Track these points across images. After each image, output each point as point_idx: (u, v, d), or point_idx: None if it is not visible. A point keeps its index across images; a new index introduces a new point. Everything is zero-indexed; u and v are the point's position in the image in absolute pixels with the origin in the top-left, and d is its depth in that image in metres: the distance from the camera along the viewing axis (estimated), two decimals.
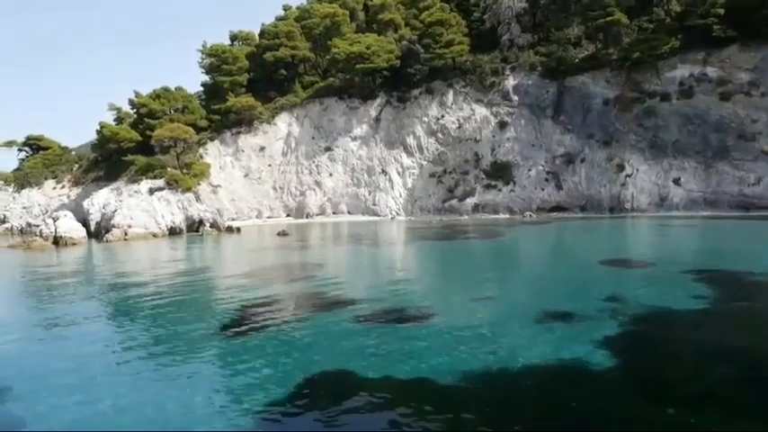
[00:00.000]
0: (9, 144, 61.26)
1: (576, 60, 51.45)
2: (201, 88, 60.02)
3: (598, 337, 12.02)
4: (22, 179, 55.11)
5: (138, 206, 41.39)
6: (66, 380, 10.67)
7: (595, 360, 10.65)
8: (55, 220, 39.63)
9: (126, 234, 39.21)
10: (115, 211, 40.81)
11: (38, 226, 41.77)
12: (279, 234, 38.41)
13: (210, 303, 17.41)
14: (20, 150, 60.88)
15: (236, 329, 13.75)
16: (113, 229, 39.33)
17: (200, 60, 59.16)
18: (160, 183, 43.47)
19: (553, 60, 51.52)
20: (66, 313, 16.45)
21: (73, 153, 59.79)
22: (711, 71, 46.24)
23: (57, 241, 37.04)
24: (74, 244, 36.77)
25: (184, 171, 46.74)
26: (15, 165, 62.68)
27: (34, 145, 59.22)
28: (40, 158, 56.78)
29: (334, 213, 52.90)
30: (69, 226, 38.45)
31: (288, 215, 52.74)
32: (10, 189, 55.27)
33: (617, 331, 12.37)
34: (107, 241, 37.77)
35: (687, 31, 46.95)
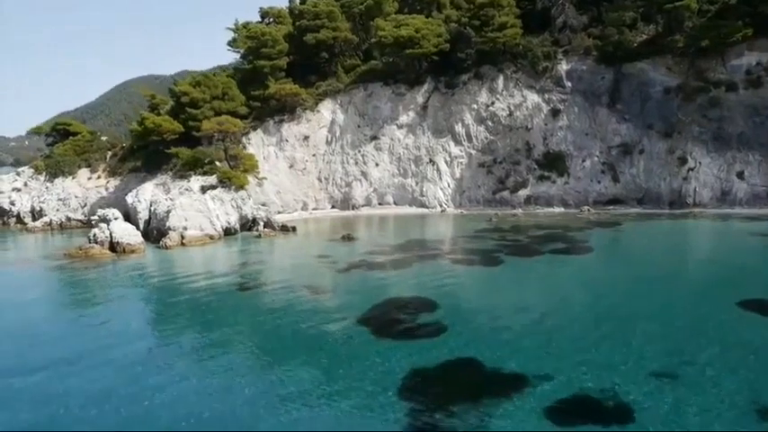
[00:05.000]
0: (37, 130, 58.86)
1: (635, 45, 49.18)
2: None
3: None
4: (53, 167, 52.97)
5: (192, 206, 39.76)
6: None
7: None
8: (106, 221, 37.92)
9: (183, 237, 37.76)
10: (168, 211, 39.19)
11: (88, 225, 40.18)
12: (343, 238, 37.07)
13: (361, 367, 16.25)
14: (47, 136, 58.58)
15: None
16: (170, 232, 37.83)
17: (231, 40, 56.47)
18: (212, 180, 41.73)
19: (610, 45, 49.22)
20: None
21: (104, 139, 57.52)
22: None
23: (113, 248, 35.57)
24: (132, 251, 35.31)
25: (231, 164, 44.95)
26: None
27: (62, 130, 56.84)
28: (70, 144, 54.46)
29: (380, 204, 51.45)
30: (124, 230, 36.80)
31: (333, 207, 51.26)
32: (41, 178, 53.27)
33: None
34: (165, 247, 36.31)
35: (756, 16, 44.72)
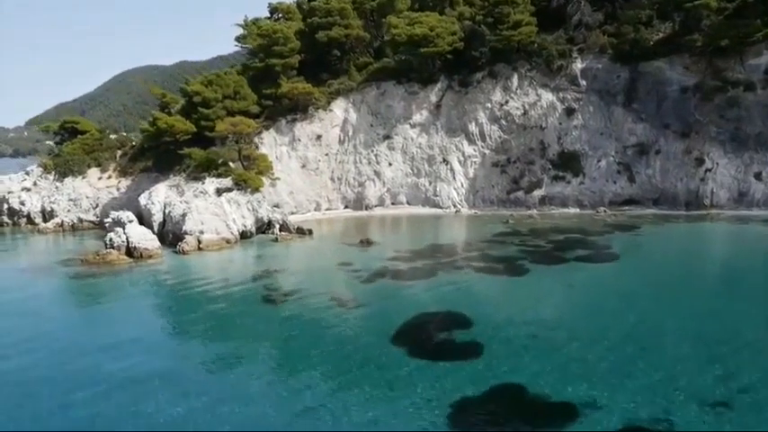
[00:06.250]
0: (46, 128, 58.31)
1: (651, 43, 48.59)
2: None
3: None
4: (62, 167, 52.42)
5: (208, 209, 39.41)
6: None
7: None
8: (121, 225, 37.57)
9: (200, 242, 37.45)
10: (184, 214, 38.82)
11: (101, 227, 39.81)
12: (362, 243, 36.83)
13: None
14: (56, 134, 58.02)
15: None
16: (186, 236, 37.49)
17: (241, 36, 55.82)
18: (227, 182, 41.35)
19: (626, 43, 48.67)
20: None
21: (113, 137, 56.94)
22: None
23: (130, 252, 35.25)
24: (150, 257, 34.99)
25: (245, 164, 44.58)
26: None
27: (71, 128, 56.27)
28: (78, 143, 53.89)
29: (392, 204, 51.12)
30: (141, 234, 36.45)
31: (346, 207, 50.92)
32: (51, 177, 52.78)
33: None
34: (183, 252, 35.97)
35: None
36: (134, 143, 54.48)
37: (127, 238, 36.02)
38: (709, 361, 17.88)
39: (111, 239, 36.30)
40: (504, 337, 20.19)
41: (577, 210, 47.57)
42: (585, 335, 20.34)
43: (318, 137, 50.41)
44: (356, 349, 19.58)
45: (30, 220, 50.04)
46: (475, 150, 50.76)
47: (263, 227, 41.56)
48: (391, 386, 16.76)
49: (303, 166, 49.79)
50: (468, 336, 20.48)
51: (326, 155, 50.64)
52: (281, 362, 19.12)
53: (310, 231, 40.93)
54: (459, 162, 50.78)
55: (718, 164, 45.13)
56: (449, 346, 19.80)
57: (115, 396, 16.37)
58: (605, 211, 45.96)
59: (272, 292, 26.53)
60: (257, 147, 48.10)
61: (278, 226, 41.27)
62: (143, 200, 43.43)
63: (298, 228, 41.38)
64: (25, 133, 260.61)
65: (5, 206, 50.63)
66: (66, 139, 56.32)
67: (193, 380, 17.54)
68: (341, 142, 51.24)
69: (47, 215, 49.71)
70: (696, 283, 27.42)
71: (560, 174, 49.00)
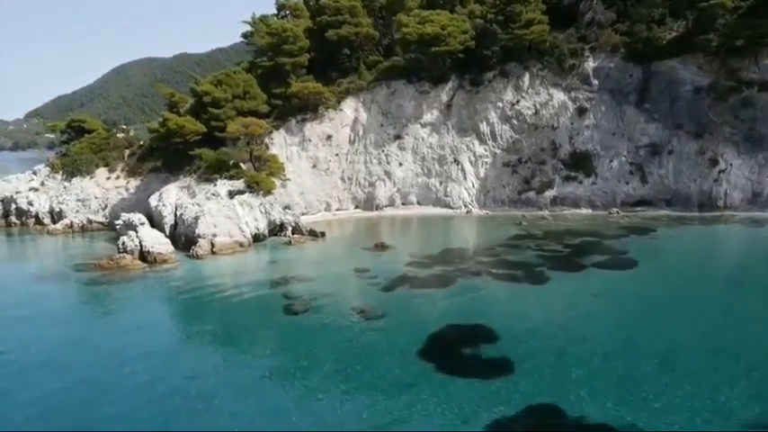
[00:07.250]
0: (53, 127, 57.90)
1: (664, 42, 48.17)
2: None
3: None
4: (70, 166, 52.11)
5: (220, 212, 39.12)
6: None
7: None
8: (133, 228, 37.36)
9: (213, 245, 37.21)
10: (197, 217, 38.55)
11: (110, 228, 39.50)
12: (376, 246, 36.62)
13: None
14: (62, 133, 57.65)
15: None
16: (199, 239, 37.23)
17: (249, 33, 55.31)
18: (239, 185, 41.07)
19: (639, 42, 48.24)
20: None
21: (120, 136, 56.52)
22: None
23: (144, 257, 35.02)
24: (164, 261, 34.75)
25: (255, 165, 44.32)
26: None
27: (78, 127, 55.90)
28: (86, 142, 53.56)
29: (403, 204, 50.89)
30: (154, 238, 36.20)
31: (356, 207, 50.68)
32: (59, 177, 52.46)
33: None
34: (197, 256, 35.72)
35: None
36: (142, 142, 54.02)
37: (140, 242, 35.78)
38: (740, 376, 17.77)
39: (124, 243, 36.04)
40: (531, 352, 20.01)
41: (589, 210, 47.36)
42: (612, 348, 20.24)
43: (329, 137, 50.09)
44: (381, 366, 19.36)
45: (38, 221, 49.68)
46: (486, 150, 50.46)
47: (276, 229, 41.31)
48: (421, 406, 16.59)
49: (313, 167, 49.50)
50: (494, 350, 20.31)
51: (337, 155, 50.34)
52: (305, 380, 18.80)
53: (323, 234, 40.71)
54: (470, 162, 50.49)
55: (731, 165, 44.87)
56: (475, 363, 19.61)
57: (140, 414, 16.24)
58: (618, 213, 45.76)
59: (290, 302, 26.13)
60: (267, 147, 47.78)
61: (290, 228, 41.02)
62: (153, 201, 43.18)
63: (310, 230, 41.12)
64: (24, 126, 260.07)
65: (13, 206, 50.28)
66: (73, 138, 55.96)
67: (219, 397, 17.32)
68: (351, 142, 50.92)
69: (55, 216, 49.38)
70: (717, 289, 27.36)
71: (572, 174, 48.75)
